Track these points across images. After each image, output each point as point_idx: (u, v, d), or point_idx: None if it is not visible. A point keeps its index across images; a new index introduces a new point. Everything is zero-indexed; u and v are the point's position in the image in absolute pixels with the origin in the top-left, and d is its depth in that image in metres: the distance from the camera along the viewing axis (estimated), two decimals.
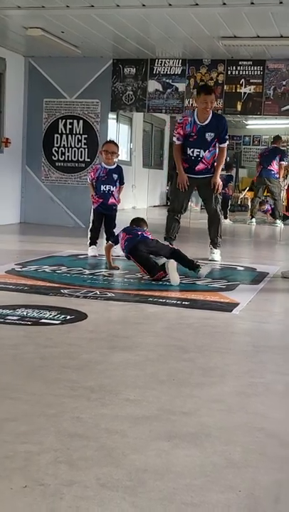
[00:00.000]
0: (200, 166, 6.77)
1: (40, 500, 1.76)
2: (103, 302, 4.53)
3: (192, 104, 9.21)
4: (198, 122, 6.66)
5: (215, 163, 6.82)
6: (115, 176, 6.79)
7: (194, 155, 6.74)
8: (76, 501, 1.76)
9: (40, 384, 2.73)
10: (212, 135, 6.68)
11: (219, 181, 6.85)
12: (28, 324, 3.77)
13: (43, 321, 3.87)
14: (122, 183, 6.87)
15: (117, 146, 6.98)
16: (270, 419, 2.47)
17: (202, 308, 4.44)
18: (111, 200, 6.80)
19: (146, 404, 2.53)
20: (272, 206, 12.96)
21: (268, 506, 1.81)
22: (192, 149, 6.72)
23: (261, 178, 12.41)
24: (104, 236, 6.89)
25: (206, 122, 6.65)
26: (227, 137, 6.84)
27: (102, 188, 6.74)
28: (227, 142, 6.88)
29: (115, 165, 6.86)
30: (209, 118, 6.66)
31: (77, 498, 1.78)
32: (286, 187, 9.66)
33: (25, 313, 4.00)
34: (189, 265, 5.68)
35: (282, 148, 12.79)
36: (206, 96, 6.57)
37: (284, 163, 12.37)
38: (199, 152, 6.71)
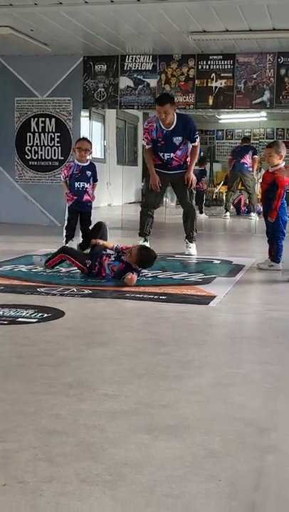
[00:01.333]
0: (173, 164, 6.80)
1: (20, 498, 1.75)
2: (80, 299, 4.52)
3: None
4: (163, 128, 6.66)
5: (188, 159, 6.84)
6: (89, 173, 6.78)
7: (165, 158, 6.80)
8: (56, 497, 1.76)
9: (18, 382, 2.71)
10: (180, 139, 6.69)
11: (193, 176, 6.88)
12: (5, 323, 3.75)
13: (19, 319, 3.85)
14: (95, 180, 6.86)
15: (90, 143, 6.96)
16: (248, 408, 2.48)
17: (179, 302, 4.45)
18: (85, 197, 6.78)
19: (125, 399, 2.53)
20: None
21: (248, 494, 1.82)
22: (162, 153, 6.77)
23: (235, 172, 12.54)
24: (80, 234, 6.86)
25: (172, 127, 6.65)
26: (196, 136, 6.84)
27: (76, 185, 6.73)
28: (198, 140, 6.90)
29: (88, 162, 6.85)
30: (174, 122, 6.65)
31: (56, 494, 1.77)
32: (260, 180, 9.73)
33: (1, 313, 3.98)
34: None
35: (253, 145, 13.19)
36: (159, 107, 6.59)
37: (257, 157, 12.57)
38: (169, 155, 6.75)
